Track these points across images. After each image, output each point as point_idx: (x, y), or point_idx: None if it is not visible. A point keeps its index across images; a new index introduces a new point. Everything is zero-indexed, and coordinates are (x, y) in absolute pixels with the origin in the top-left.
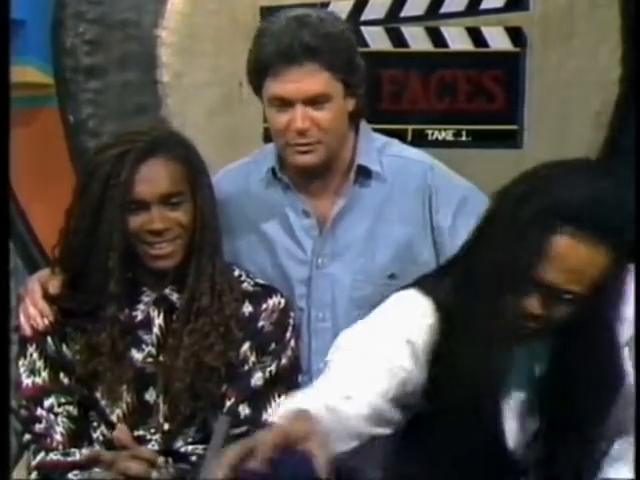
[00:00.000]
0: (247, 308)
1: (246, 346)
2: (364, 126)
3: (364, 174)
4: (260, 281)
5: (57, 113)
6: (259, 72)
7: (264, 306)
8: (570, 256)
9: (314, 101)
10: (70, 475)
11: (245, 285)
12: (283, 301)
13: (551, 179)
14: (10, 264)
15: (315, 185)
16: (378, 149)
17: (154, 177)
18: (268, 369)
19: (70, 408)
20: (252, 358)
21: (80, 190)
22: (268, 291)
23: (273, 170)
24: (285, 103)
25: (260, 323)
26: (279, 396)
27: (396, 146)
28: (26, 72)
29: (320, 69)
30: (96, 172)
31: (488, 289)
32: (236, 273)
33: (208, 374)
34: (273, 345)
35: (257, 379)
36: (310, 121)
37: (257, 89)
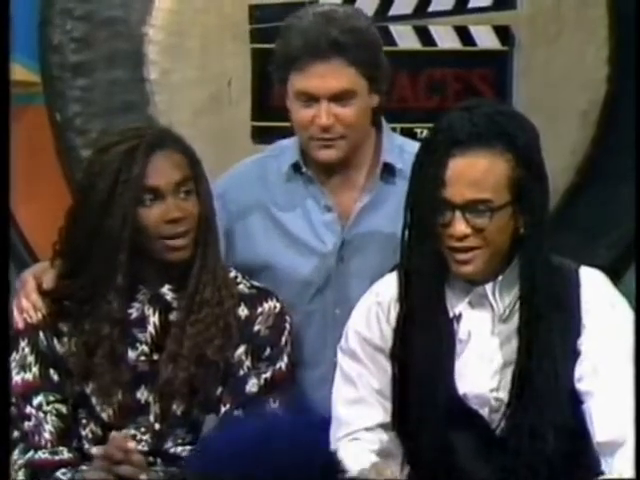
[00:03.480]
0: (243, 312)
1: (241, 350)
2: (385, 125)
3: (388, 171)
4: (255, 283)
5: (44, 111)
6: (285, 65)
7: (259, 310)
8: (467, 171)
9: (339, 97)
10: (58, 474)
11: (241, 287)
12: (279, 305)
13: (440, 120)
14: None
15: (338, 180)
16: (399, 146)
17: (166, 167)
18: (263, 375)
19: (59, 406)
20: (247, 363)
21: (85, 190)
22: (264, 294)
23: (296, 165)
24: (310, 98)
25: (256, 327)
26: (274, 402)
27: (412, 145)
28: (13, 70)
29: (346, 65)
30: (104, 170)
31: (414, 222)
32: (232, 274)
33: (208, 368)
34: (268, 350)
35: (252, 385)
36: (334, 117)
37: (281, 81)
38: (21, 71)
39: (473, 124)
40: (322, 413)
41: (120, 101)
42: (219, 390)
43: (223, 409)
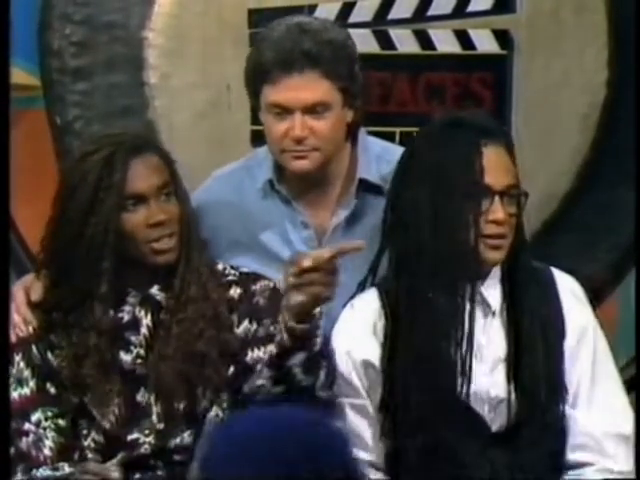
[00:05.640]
0: (236, 292)
1: (246, 322)
2: (362, 134)
3: (365, 187)
4: (245, 269)
5: (44, 115)
6: (257, 77)
7: (253, 288)
8: (500, 159)
9: (313, 110)
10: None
11: (230, 277)
12: (272, 283)
13: (447, 115)
14: (9, 268)
15: (313, 196)
16: (377, 156)
17: (146, 171)
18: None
19: (59, 421)
20: (254, 329)
21: (64, 200)
22: (254, 276)
23: (271, 182)
24: (284, 111)
25: (254, 299)
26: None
27: (393, 151)
28: (13, 74)
29: (321, 77)
30: (85, 178)
31: (442, 214)
32: (220, 267)
33: (201, 361)
34: (272, 319)
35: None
36: (308, 130)
37: (254, 94)
38: (21, 75)
39: (487, 120)
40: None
41: (120, 105)
42: (232, 369)
43: (259, 366)
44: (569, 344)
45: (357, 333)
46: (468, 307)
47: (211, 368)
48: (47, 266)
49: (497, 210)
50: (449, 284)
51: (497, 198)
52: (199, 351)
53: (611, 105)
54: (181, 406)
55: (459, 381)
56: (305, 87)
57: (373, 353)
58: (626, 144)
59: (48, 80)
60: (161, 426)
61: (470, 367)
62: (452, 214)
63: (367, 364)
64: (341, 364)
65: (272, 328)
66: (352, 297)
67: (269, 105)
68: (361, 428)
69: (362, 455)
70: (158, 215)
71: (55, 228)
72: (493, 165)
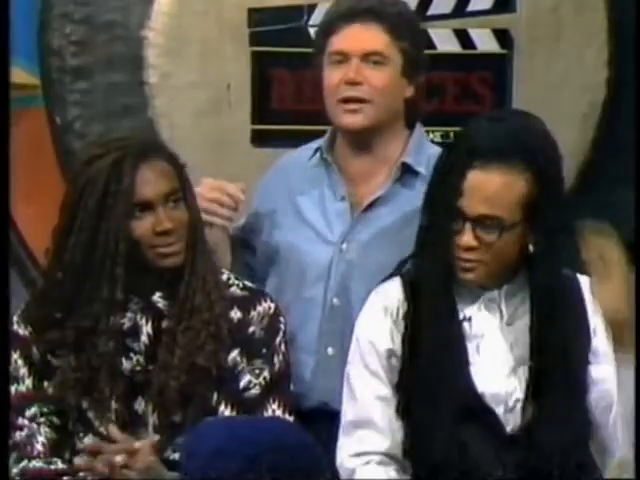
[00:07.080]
0: (236, 314)
1: (235, 353)
2: (419, 129)
3: (409, 172)
4: (249, 284)
5: (43, 114)
6: (324, 31)
7: (253, 312)
8: (484, 186)
9: (370, 58)
10: None
11: (233, 289)
12: (273, 306)
13: (467, 127)
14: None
15: (358, 171)
16: (429, 155)
17: (154, 178)
18: (261, 376)
19: (53, 418)
20: (242, 365)
21: (73, 203)
22: (257, 296)
23: (320, 150)
24: (343, 58)
25: (250, 329)
26: (274, 401)
27: None
28: (12, 73)
29: (381, 31)
30: (92, 183)
31: (428, 229)
32: (224, 277)
33: (200, 376)
34: (264, 350)
35: (251, 386)
36: (363, 77)
37: (320, 51)
38: (21, 74)
39: (496, 138)
40: (316, 400)
41: (120, 104)
42: (215, 395)
43: (226, 413)
44: (593, 345)
45: (380, 322)
46: (470, 314)
47: (210, 386)
48: (55, 276)
49: (464, 236)
50: (436, 295)
51: (468, 224)
52: (199, 365)
53: (611, 104)
54: (176, 419)
55: (465, 381)
56: (364, 36)
57: (395, 341)
58: (626, 143)
59: (48, 79)
60: (156, 437)
61: (466, 370)
62: (432, 232)
63: (390, 353)
64: (365, 353)
65: (254, 373)
66: (382, 281)
67: (330, 54)
68: (383, 418)
69: (380, 445)
70: (165, 223)
71: (65, 235)
72: (473, 191)
